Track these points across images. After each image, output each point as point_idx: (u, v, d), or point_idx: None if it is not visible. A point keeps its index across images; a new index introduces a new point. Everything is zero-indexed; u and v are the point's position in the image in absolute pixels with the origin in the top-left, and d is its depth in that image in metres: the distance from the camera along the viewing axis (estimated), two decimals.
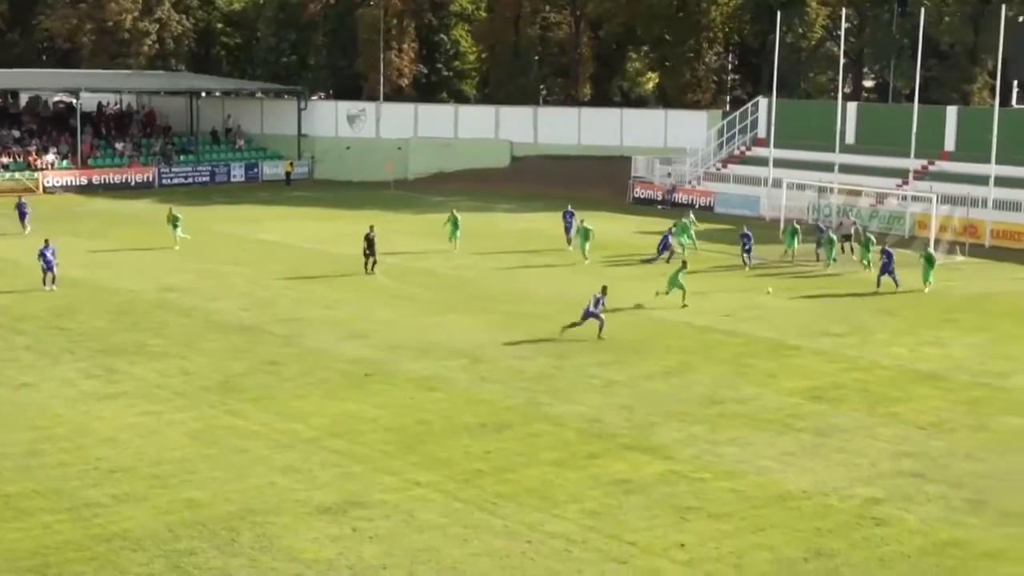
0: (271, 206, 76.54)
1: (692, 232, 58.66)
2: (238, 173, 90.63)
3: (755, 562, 23.22)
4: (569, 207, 61.69)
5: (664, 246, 55.75)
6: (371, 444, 29.89)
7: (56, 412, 32.05)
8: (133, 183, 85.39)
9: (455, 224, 58.65)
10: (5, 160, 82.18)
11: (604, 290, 40.82)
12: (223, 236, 62.74)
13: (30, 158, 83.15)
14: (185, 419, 31.77)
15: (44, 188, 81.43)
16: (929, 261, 49.53)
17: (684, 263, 47.90)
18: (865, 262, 53.17)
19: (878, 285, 49.10)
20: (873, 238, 54.79)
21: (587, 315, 40.23)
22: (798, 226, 58.13)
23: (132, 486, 26.73)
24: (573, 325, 40.31)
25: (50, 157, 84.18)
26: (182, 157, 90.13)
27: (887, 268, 49.24)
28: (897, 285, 49.02)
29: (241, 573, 22.52)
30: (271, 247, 59.65)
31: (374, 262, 52.02)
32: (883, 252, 49.94)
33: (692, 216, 62.14)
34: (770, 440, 30.56)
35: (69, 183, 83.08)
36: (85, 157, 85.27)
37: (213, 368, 36.84)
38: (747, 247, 55.04)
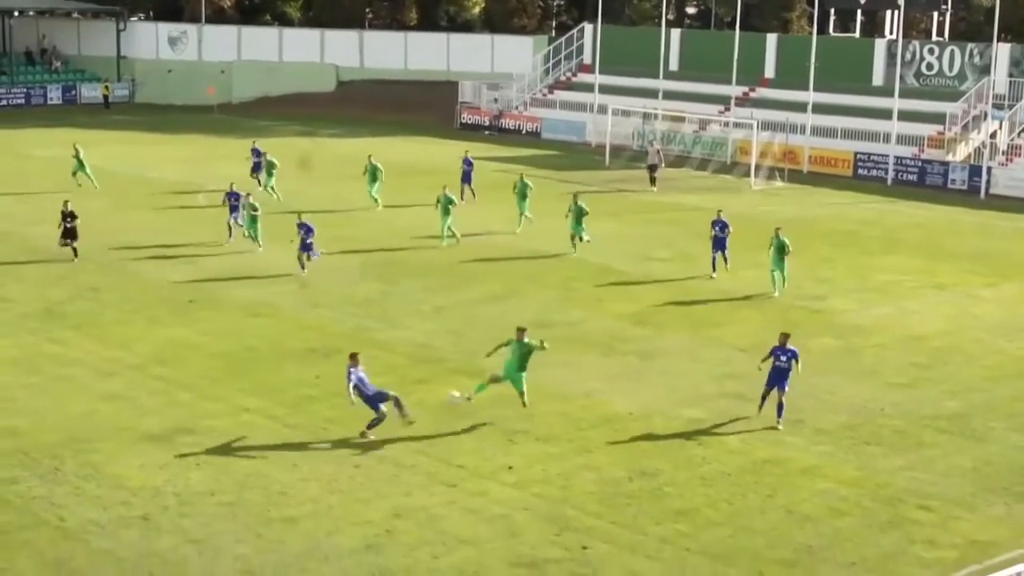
0: (90, 130, 74.47)
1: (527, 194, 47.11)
2: (55, 95, 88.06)
3: (581, 483, 23.64)
4: (255, 143, 56.12)
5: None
6: (197, 371, 29.60)
7: None
8: None
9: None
10: None
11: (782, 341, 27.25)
12: (40, 160, 61.06)
13: None
14: (4, 346, 31.06)
15: None
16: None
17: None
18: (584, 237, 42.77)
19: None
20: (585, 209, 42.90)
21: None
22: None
23: None
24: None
25: None
26: None
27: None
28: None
29: (66, 501, 22.19)
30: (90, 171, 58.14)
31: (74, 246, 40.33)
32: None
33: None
34: (596, 363, 31.03)
35: None
36: None
37: (32, 295, 36.02)
38: (308, 242, 39.39)
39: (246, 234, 42.19)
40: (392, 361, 30.60)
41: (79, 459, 24.07)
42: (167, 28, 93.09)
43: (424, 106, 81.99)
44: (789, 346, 26.83)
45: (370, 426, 25.45)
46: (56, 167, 58.49)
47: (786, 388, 26.74)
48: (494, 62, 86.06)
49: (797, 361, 26.75)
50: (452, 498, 22.83)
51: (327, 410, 27.09)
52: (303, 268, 38.95)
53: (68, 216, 40.12)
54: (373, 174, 50.51)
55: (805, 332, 33.91)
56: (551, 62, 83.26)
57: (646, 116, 70.27)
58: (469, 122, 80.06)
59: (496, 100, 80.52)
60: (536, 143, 73.42)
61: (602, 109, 69.67)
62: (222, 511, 21.99)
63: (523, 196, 46.57)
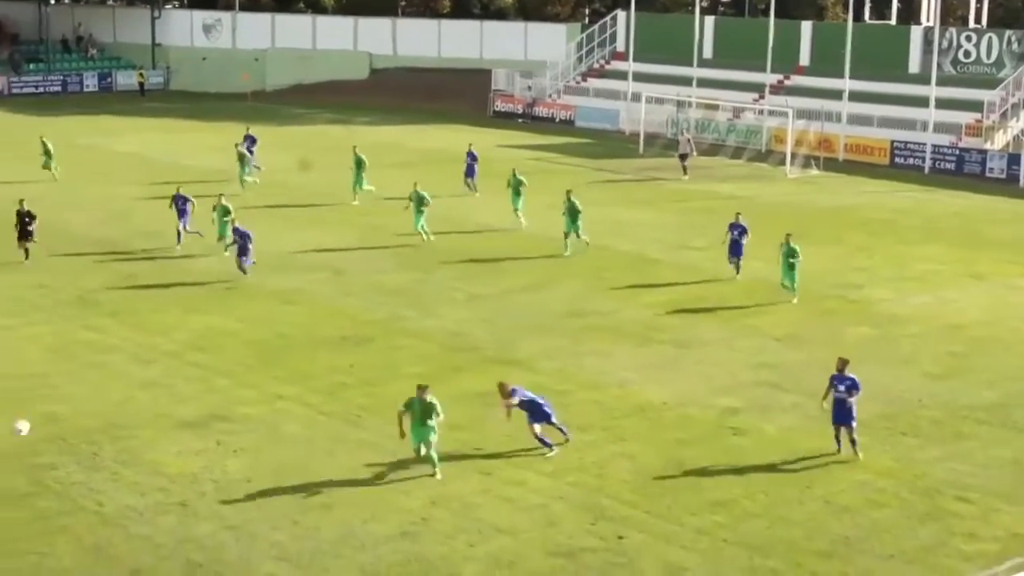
0: (126, 117, 74.98)
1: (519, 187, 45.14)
2: (91, 83, 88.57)
3: (617, 472, 23.59)
4: (248, 129, 55.96)
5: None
6: (233, 358, 29.67)
7: None
8: None
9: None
10: None
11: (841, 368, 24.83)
12: (77, 148, 61.24)
13: None
14: (42, 333, 31.24)
15: None
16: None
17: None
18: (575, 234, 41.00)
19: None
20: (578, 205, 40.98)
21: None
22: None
23: None
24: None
25: None
26: (32, 66, 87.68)
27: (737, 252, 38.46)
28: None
29: (104, 487, 22.31)
30: (127, 159, 58.48)
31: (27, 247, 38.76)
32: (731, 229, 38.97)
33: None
34: (631, 352, 30.96)
35: None
36: None
37: (69, 282, 36.19)
38: (247, 247, 37.07)
39: (219, 236, 39.62)
40: (426, 350, 30.62)
41: (117, 445, 24.19)
42: (202, 16, 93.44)
43: (457, 94, 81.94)
44: (848, 374, 24.45)
45: (560, 430, 24.84)
46: (92, 155, 58.97)
47: (854, 424, 24.27)
48: (527, 50, 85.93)
49: (857, 391, 24.28)
50: (488, 486, 22.83)
51: (361, 398, 27.13)
52: (245, 272, 36.85)
53: (25, 216, 38.62)
54: (359, 165, 48.97)
55: (842, 321, 33.80)
56: (584, 50, 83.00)
57: (680, 104, 70.05)
58: (502, 110, 79.97)
59: (530, 88, 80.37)
60: (570, 131, 73.30)
61: (636, 97, 69.48)
62: (258, 498, 22.05)
63: (516, 192, 44.90)
